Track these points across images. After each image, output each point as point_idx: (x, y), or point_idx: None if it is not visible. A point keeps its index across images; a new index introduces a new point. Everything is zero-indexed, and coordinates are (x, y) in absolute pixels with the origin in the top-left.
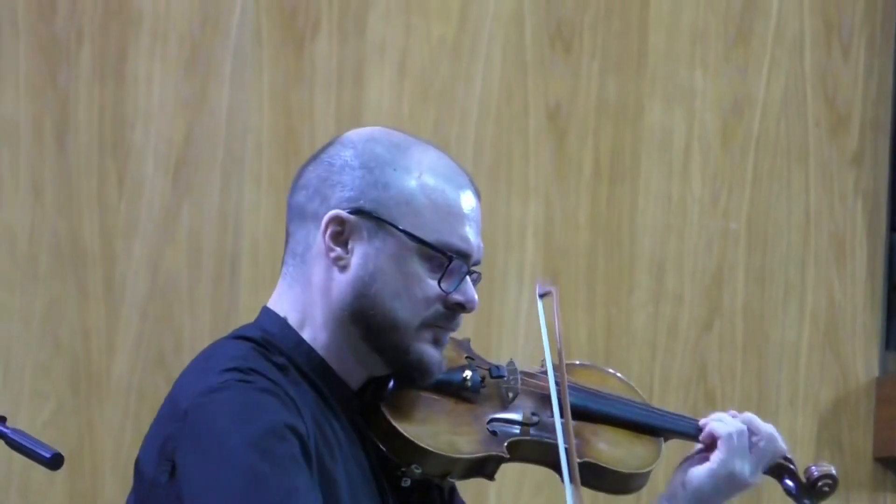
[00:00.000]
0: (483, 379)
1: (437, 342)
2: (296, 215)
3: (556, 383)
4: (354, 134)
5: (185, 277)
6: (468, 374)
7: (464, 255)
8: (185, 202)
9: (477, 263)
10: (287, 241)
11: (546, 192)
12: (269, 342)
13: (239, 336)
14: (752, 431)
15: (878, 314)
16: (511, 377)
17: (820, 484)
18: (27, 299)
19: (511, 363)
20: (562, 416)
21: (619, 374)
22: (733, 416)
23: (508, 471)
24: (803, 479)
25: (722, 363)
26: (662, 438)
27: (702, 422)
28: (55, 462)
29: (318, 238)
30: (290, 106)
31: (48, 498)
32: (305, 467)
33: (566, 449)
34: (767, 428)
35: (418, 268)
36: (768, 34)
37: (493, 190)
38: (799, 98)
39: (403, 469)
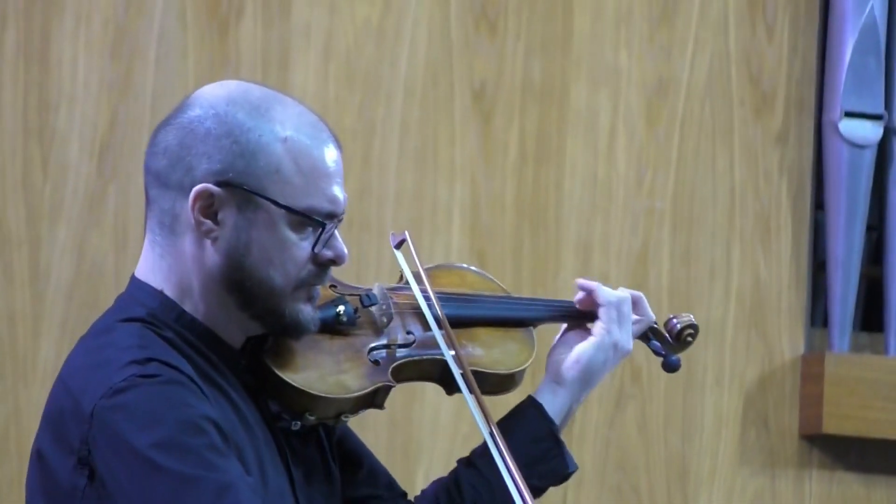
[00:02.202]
0: (356, 310)
1: (310, 299)
2: (157, 182)
3: (427, 298)
4: (211, 96)
5: (111, 261)
6: (341, 308)
7: (333, 215)
8: (110, 186)
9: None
10: (149, 207)
11: (472, 174)
12: (155, 317)
13: (126, 318)
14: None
15: (803, 293)
16: (383, 302)
17: (684, 335)
18: None
19: (379, 287)
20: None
21: (473, 268)
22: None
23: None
24: (667, 335)
25: None
26: (532, 328)
27: (577, 285)
28: None
29: (187, 209)
30: None
31: None
32: (228, 453)
33: (454, 357)
34: (637, 294)
35: (290, 234)
36: (692, 14)
37: (419, 172)
38: (723, 78)
39: (297, 418)
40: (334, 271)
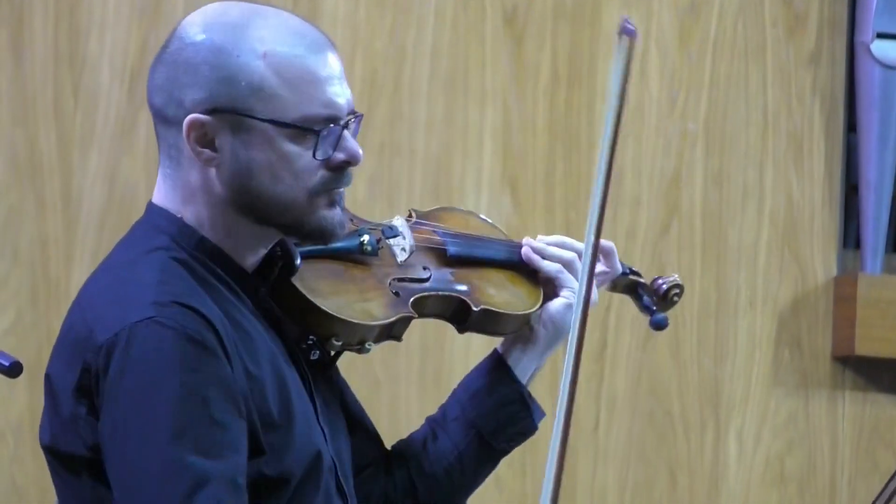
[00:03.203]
0: (378, 240)
1: (332, 203)
2: (159, 119)
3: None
4: (190, 25)
5: (143, 188)
6: (365, 237)
7: (333, 119)
8: (141, 112)
9: (352, 113)
10: (158, 142)
11: (503, 98)
12: (177, 244)
13: (150, 249)
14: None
15: (835, 214)
16: (405, 235)
17: (671, 294)
18: None
19: (401, 220)
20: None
21: (479, 214)
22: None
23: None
24: (654, 294)
25: (681, 265)
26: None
27: (523, 254)
28: (14, 370)
29: (185, 143)
30: None
31: (8, 406)
32: (229, 425)
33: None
34: (609, 245)
35: (290, 147)
36: None
37: (450, 96)
38: None
39: (321, 342)
40: (354, 208)
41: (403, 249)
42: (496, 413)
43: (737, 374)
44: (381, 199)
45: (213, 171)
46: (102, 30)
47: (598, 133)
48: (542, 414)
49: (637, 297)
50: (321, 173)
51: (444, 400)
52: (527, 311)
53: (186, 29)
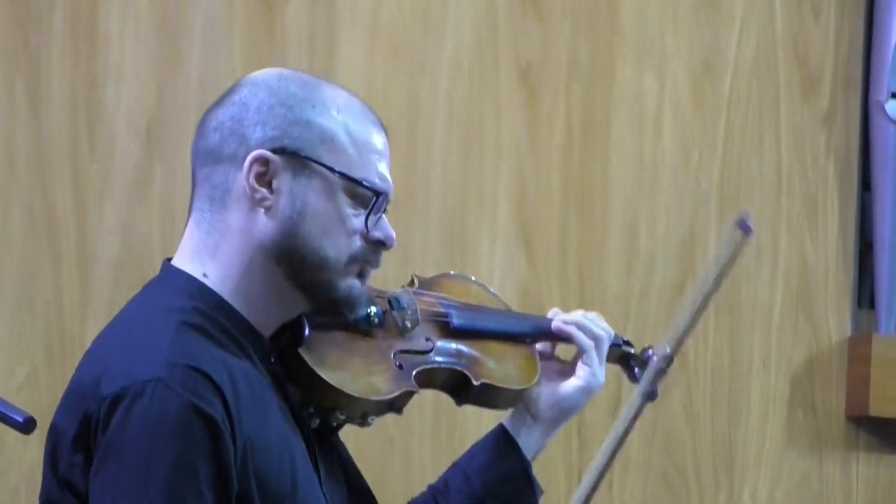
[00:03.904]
0: (385, 312)
1: (361, 275)
2: (208, 160)
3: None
4: (260, 76)
5: (158, 241)
6: (373, 309)
7: (384, 193)
8: (157, 165)
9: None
10: (196, 189)
11: (518, 153)
12: (196, 308)
13: (168, 309)
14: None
15: (850, 274)
16: (410, 307)
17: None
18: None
19: (406, 291)
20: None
21: (478, 281)
22: (571, 323)
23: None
24: (644, 364)
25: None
26: (534, 345)
27: (554, 325)
28: (28, 426)
29: (240, 180)
30: (262, 66)
31: (21, 462)
32: (215, 498)
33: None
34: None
35: (344, 205)
36: None
37: (464, 150)
38: (770, 58)
39: (324, 413)
40: None
41: (408, 321)
42: (501, 487)
43: (750, 434)
44: (395, 251)
45: (261, 213)
46: (119, 81)
47: (612, 190)
48: (542, 491)
49: (628, 368)
50: (361, 243)
51: (458, 455)
52: (525, 387)
53: (260, 78)
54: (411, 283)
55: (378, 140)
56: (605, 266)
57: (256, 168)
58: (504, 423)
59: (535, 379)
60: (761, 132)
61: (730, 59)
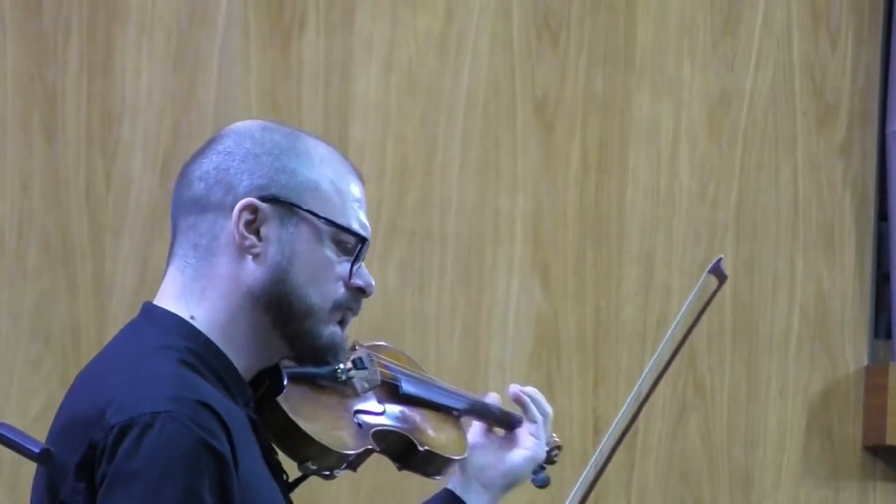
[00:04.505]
0: (349, 370)
1: (342, 323)
2: (193, 209)
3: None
4: (242, 126)
5: None
6: (340, 366)
7: (364, 240)
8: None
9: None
10: (178, 238)
11: (534, 185)
12: (189, 349)
13: (163, 346)
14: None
15: (866, 303)
16: (371, 368)
17: (551, 455)
18: (16, 295)
19: (367, 353)
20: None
21: (409, 355)
22: (526, 394)
23: None
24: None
25: (711, 354)
26: (461, 419)
27: (510, 393)
28: (44, 457)
29: (228, 228)
30: (278, 100)
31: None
32: None
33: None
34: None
35: (329, 252)
36: (756, 25)
37: (481, 183)
38: (787, 89)
39: (299, 464)
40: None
41: (367, 382)
42: None
43: (767, 463)
44: (412, 285)
45: (248, 260)
46: (135, 115)
47: (629, 221)
48: None
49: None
50: (344, 290)
51: None
52: (461, 457)
53: (240, 128)
54: (353, 347)
55: (356, 189)
56: (620, 297)
57: (245, 215)
58: (450, 488)
59: (465, 451)
60: (778, 163)
61: (746, 89)
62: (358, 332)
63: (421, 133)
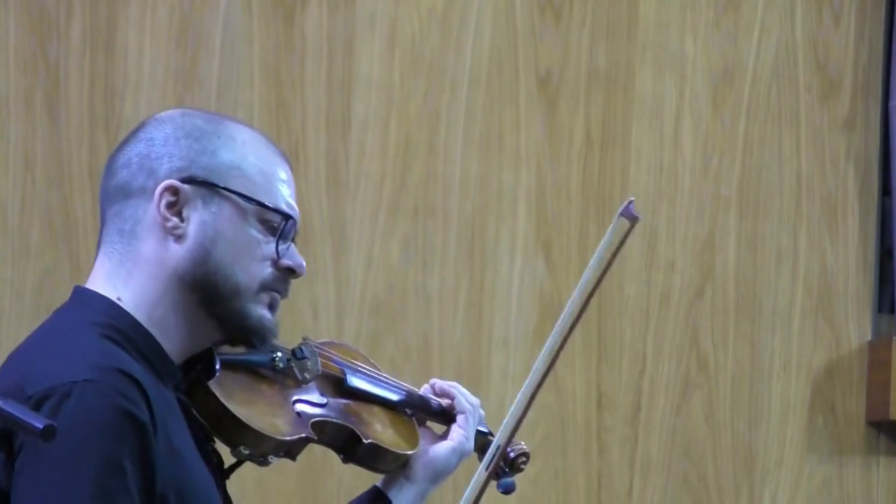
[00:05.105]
0: (289, 360)
1: (271, 306)
2: (118, 196)
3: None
4: (165, 113)
5: None
6: (278, 354)
7: (290, 219)
8: None
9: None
10: (106, 227)
11: (537, 161)
12: (114, 327)
13: (89, 323)
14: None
15: (870, 278)
16: (311, 359)
17: (518, 462)
18: (19, 272)
19: (309, 345)
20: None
21: (362, 352)
22: (452, 387)
23: None
24: (504, 457)
25: (714, 329)
26: (413, 417)
27: (436, 387)
28: (47, 433)
29: (151, 211)
30: (281, 77)
31: None
32: (140, 496)
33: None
34: (476, 400)
35: (254, 231)
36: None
37: (484, 159)
38: (790, 64)
39: (231, 449)
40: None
41: (307, 372)
42: None
43: (771, 438)
44: (416, 262)
45: (171, 242)
46: (137, 92)
47: (632, 195)
48: None
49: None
50: (271, 270)
51: None
52: (409, 452)
53: (162, 115)
54: (303, 341)
55: (282, 172)
56: (624, 272)
57: (167, 197)
58: (378, 485)
59: (418, 447)
60: (781, 137)
61: (749, 64)
62: (361, 310)
63: (424, 109)
